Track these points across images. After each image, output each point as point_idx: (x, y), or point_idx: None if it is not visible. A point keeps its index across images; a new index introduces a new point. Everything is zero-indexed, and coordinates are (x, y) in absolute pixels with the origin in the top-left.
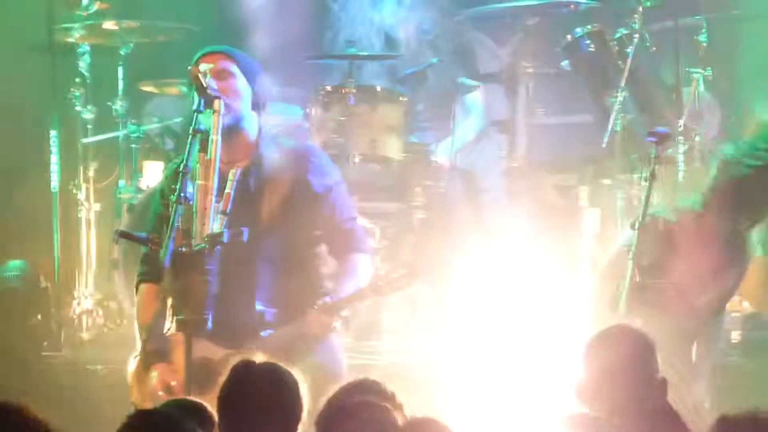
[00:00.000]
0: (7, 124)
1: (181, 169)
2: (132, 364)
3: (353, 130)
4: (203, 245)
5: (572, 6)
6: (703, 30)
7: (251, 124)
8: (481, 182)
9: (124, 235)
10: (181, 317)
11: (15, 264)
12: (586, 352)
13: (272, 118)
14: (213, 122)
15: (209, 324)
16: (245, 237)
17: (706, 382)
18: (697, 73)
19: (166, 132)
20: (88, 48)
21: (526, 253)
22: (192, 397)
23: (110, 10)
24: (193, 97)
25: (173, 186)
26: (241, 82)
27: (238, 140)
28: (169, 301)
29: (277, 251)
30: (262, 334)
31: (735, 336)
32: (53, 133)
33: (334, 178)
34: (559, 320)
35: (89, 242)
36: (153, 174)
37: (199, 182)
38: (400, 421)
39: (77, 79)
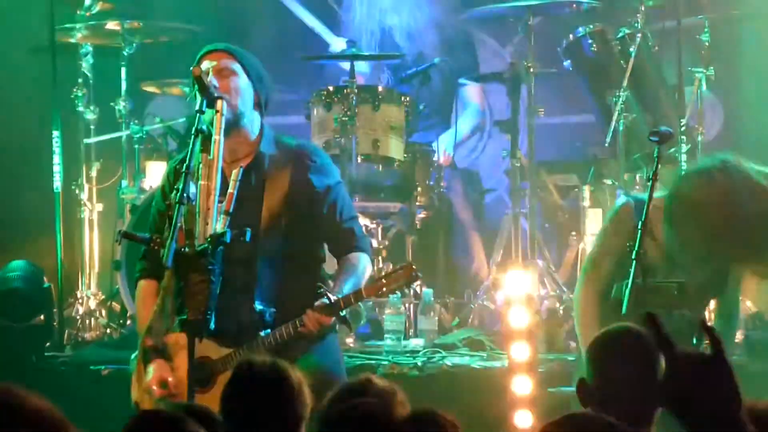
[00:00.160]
0: (9, 124)
1: (183, 168)
2: (133, 363)
3: (355, 131)
4: (206, 245)
5: (574, 6)
6: (706, 29)
7: (253, 123)
8: (483, 182)
9: (126, 235)
10: (183, 317)
11: (17, 264)
12: (589, 351)
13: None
14: (215, 122)
15: (212, 324)
16: (248, 237)
17: None
18: (699, 72)
19: (169, 132)
20: (90, 48)
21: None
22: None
23: (113, 10)
24: (194, 97)
25: (173, 183)
26: (243, 80)
27: (240, 139)
28: (170, 300)
29: (277, 250)
30: (261, 333)
31: (738, 335)
32: (56, 133)
33: (335, 178)
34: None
35: (92, 243)
36: (156, 174)
37: (201, 182)
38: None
39: (80, 80)
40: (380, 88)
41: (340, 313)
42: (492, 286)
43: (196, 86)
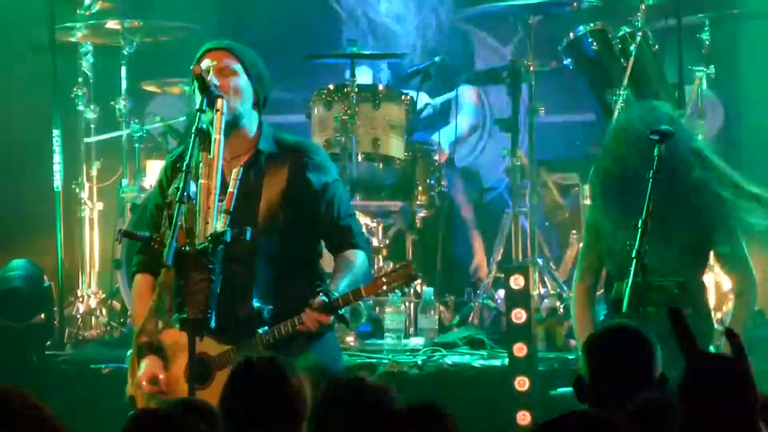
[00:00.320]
0: (10, 124)
1: (181, 165)
2: (128, 360)
3: (355, 129)
4: (206, 244)
5: (575, 4)
6: (706, 28)
7: (251, 122)
8: (484, 181)
9: (127, 234)
10: (183, 316)
11: (18, 263)
12: (585, 349)
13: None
14: (215, 121)
15: (212, 323)
16: (248, 236)
17: None
18: (699, 71)
19: (169, 131)
20: (91, 47)
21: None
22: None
23: (113, 9)
24: (193, 94)
25: (170, 179)
26: (243, 80)
27: (239, 138)
28: (166, 297)
29: (275, 248)
30: (259, 330)
31: None
32: (56, 132)
33: (333, 175)
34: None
35: (92, 241)
36: (156, 173)
37: (201, 181)
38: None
39: (80, 79)
40: (380, 87)
41: (339, 311)
42: (492, 284)
43: (197, 85)
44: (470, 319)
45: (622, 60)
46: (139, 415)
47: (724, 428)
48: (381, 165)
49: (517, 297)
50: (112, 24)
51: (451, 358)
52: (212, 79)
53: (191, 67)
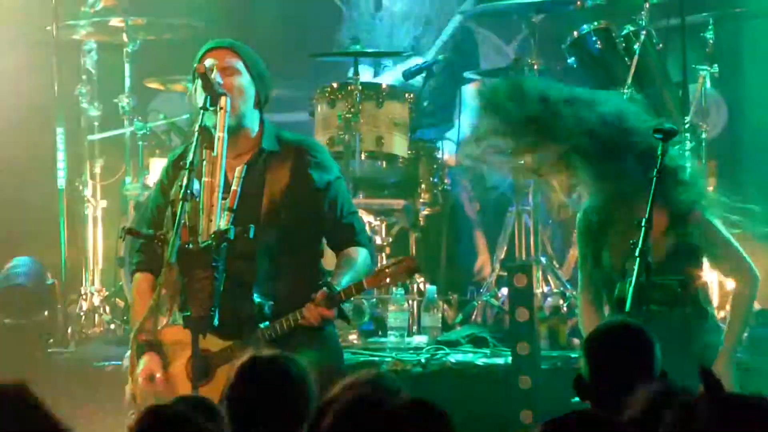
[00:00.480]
0: (13, 121)
1: (183, 164)
2: (128, 354)
3: (359, 127)
4: (209, 242)
5: (579, 3)
6: (710, 27)
7: (254, 121)
8: (487, 179)
9: (130, 232)
10: (187, 314)
11: (21, 260)
12: (587, 347)
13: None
14: (219, 119)
15: (215, 320)
16: (251, 234)
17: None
18: (703, 70)
19: (173, 129)
20: (94, 45)
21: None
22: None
23: (117, 7)
24: (194, 92)
25: (171, 178)
26: (245, 78)
27: (241, 137)
28: (167, 295)
29: (277, 245)
30: (261, 326)
31: None
32: (59, 130)
33: (335, 173)
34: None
35: (96, 239)
36: (159, 171)
37: (205, 179)
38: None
39: (84, 76)
40: (384, 85)
41: (341, 304)
42: (495, 282)
43: (201, 83)
44: (473, 317)
45: (626, 59)
46: (147, 413)
47: None
48: (384, 163)
49: (520, 295)
50: (115, 21)
51: (454, 357)
52: (216, 77)
53: (195, 65)
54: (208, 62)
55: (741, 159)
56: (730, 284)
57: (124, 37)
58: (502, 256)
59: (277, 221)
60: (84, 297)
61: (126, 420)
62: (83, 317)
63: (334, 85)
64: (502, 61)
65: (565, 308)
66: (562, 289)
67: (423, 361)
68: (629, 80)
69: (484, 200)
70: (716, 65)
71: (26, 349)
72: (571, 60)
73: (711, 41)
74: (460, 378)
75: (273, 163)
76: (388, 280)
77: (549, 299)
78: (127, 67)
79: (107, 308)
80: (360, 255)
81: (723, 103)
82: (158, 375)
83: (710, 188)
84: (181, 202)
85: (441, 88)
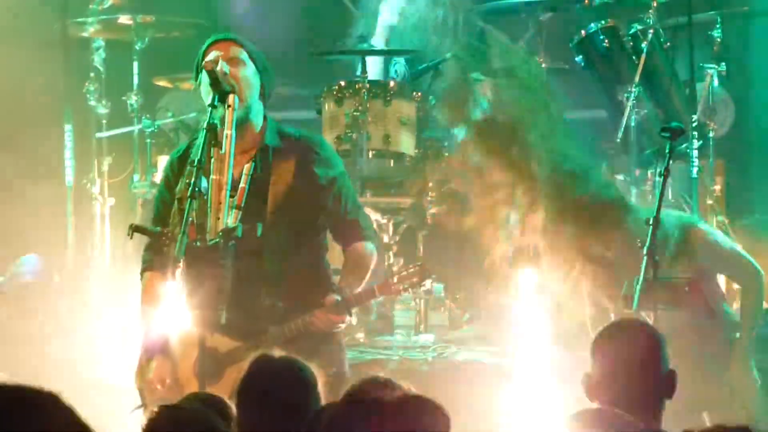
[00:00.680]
0: (21, 119)
1: (188, 160)
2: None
3: (366, 126)
4: (217, 240)
5: (586, 1)
6: (718, 25)
7: (258, 115)
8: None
9: (138, 229)
10: (195, 312)
11: (29, 258)
12: (595, 345)
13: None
14: (227, 117)
15: (223, 318)
16: (260, 232)
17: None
18: (711, 68)
19: (181, 126)
20: (103, 42)
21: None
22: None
23: (125, 4)
24: (198, 87)
25: (176, 174)
26: (251, 69)
27: (246, 132)
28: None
29: (283, 242)
30: (269, 328)
31: None
32: (68, 127)
33: (339, 169)
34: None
35: (103, 236)
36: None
37: (213, 177)
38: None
39: (92, 74)
40: (392, 83)
41: (350, 310)
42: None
43: (209, 80)
44: (481, 315)
45: (633, 57)
46: (161, 411)
47: None
48: (392, 161)
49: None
50: (124, 19)
51: (461, 355)
52: (222, 67)
53: (203, 62)
54: (213, 55)
55: (748, 157)
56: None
57: (133, 35)
58: (510, 255)
59: (282, 218)
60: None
61: (130, 416)
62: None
63: (342, 83)
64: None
65: None
66: None
67: (430, 359)
68: (637, 79)
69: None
70: (724, 63)
71: (32, 347)
72: (578, 59)
73: (718, 39)
74: (467, 376)
75: (277, 160)
76: (399, 287)
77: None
78: (135, 64)
79: None
80: (366, 251)
81: (730, 101)
82: (167, 381)
83: (717, 186)
84: (188, 200)
85: (449, 86)
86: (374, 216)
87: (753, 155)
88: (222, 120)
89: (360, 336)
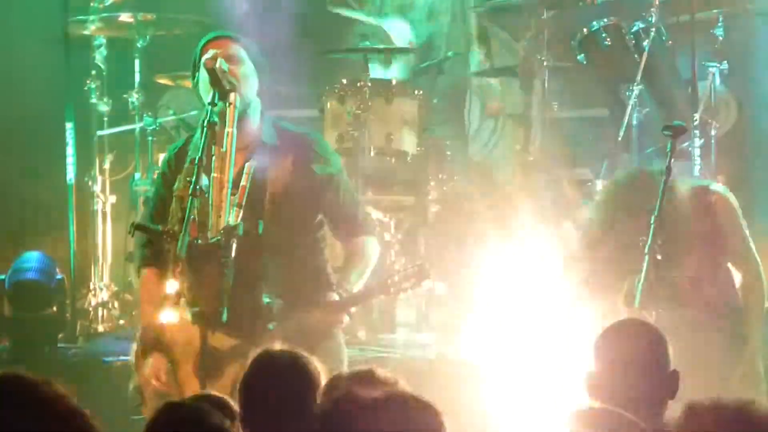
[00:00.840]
0: (23, 116)
1: (196, 160)
2: (133, 348)
3: (369, 124)
4: (219, 238)
5: (588, 0)
6: (720, 24)
7: (256, 112)
8: (496, 176)
9: (139, 227)
10: (196, 309)
11: (31, 255)
12: (598, 344)
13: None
14: (228, 114)
15: (224, 317)
16: (261, 230)
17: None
18: (713, 67)
19: (182, 124)
20: (104, 40)
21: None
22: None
23: (126, 2)
24: (196, 85)
25: (174, 170)
26: (249, 66)
27: (244, 129)
28: (176, 291)
29: (282, 239)
30: (269, 326)
31: None
32: (69, 125)
33: (336, 166)
34: (574, 315)
35: (105, 234)
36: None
37: (214, 175)
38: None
39: (93, 72)
40: (393, 82)
41: (350, 310)
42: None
43: (209, 78)
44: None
45: (635, 56)
46: (164, 409)
47: None
48: (393, 160)
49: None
50: (125, 17)
51: (462, 353)
52: (221, 65)
53: (201, 60)
54: (210, 53)
55: (750, 156)
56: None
57: (134, 33)
58: None
59: (280, 216)
60: (93, 292)
61: (130, 413)
62: (92, 312)
63: (344, 81)
64: (511, 58)
65: None
66: None
67: (431, 357)
68: (638, 77)
69: (493, 197)
70: (726, 62)
71: (35, 345)
72: (580, 57)
73: (720, 38)
74: (468, 374)
75: (274, 157)
76: (397, 288)
77: None
78: (136, 62)
79: (116, 303)
80: (367, 246)
81: (732, 100)
82: (162, 377)
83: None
84: (190, 198)
85: (451, 84)
86: (376, 214)
87: (755, 154)
88: (222, 118)
89: (361, 334)
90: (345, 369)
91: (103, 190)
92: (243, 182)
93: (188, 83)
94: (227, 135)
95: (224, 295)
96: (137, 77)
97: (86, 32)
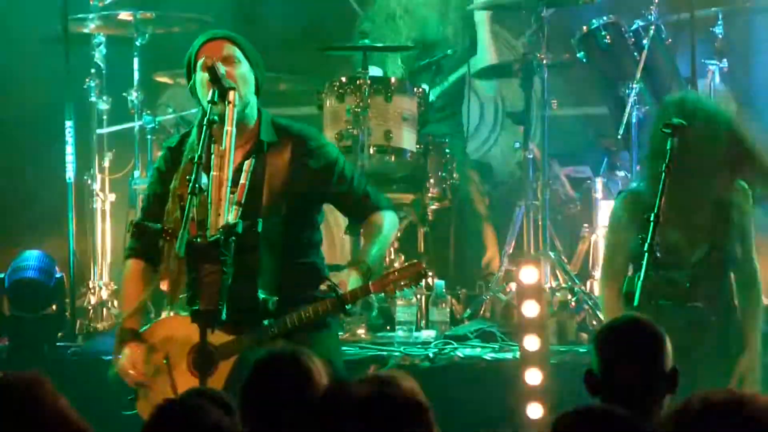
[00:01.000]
0: (22, 114)
1: (195, 158)
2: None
3: (368, 122)
4: (218, 236)
5: None
6: (719, 21)
7: (253, 110)
8: (495, 174)
9: (138, 226)
10: (195, 308)
11: (31, 254)
12: (597, 341)
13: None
14: (227, 113)
15: (224, 315)
16: (259, 228)
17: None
18: (712, 65)
19: (181, 123)
20: (103, 38)
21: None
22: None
23: (125, 1)
24: (193, 86)
25: (170, 167)
26: (245, 66)
27: (242, 127)
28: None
29: (278, 236)
30: (265, 322)
31: None
32: (68, 123)
33: (334, 154)
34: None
35: (104, 233)
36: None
37: (213, 173)
38: None
39: (93, 70)
40: (393, 79)
41: (347, 306)
42: (504, 277)
43: (209, 77)
44: (482, 312)
45: (635, 53)
46: (163, 405)
47: None
48: (393, 157)
49: (528, 290)
50: (124, 15)
51: (462, 351)
52: (218, 67)
53: (197, 60)
54: (208, 53)
55: None
56: None
57: (134, 31)
58: (510, 251)
59: (277, 213)
60: (92, 291)
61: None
62: (91, 311)
63: (343, 79)
64: (511, 56)
65: (573, 303)
66: (570, 283)
67: (431, 355)
68: (638, 75)
69: (492, 195)
70: (725, 60)
71: (35, 343)
72: (580, 54)
73: (720, 36)
74: (468, 373)
75: (272, 155)
76: (395, 285)
77: (557, 294)
78: (136, 60)
79: (115, 302)
80: (385, 219)
81: (732, 98)
82: (138, 367)
83: None
84: (189, 196)
85: (451, 82)
86: None
87: None
88: (221, 116)
89: (361, 332)
90: (342, 365)
91: (102, 189)
92: (242, 180)
93: None
94: (226, 133)
95: (224, 293)
96: (137, 75)
97: (86, 30)
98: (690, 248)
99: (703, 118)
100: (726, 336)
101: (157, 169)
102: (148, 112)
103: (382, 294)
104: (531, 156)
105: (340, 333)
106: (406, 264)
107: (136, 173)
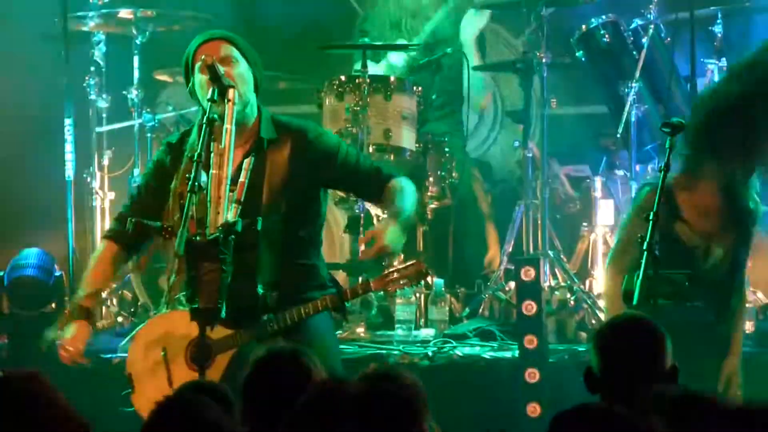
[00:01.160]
0: (22, 113)
1: (195, 157)
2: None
3: (367, 120)
4: (217, 234)
5: None
6: (719, 20)
7: (253, 108)
8: (495, 173)
9: (138, 224)
10: (194, 306)
11: (30, 252)
12: (596, 340)
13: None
14: (227, 111)
15: (223, 312)
16: (259, 226)
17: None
18: (712, 63)
19: (181, 121)
20: (103, 36)
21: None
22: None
23: None
24: (192, 85)
25: (170, 161)
26: (244, 66)
27: (242, 126)
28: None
29: (278, 233)
30: (263, 317)
31: (748, 326)
32: (68, 121)
33: (334, 140)
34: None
35: (103, 231)
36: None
37: (213, 171)
38: None
39: (92, 68)
40: (392, 78)
41: (346, 303)
42: (503, 276)
43: (209, 76)
44: (481, 310)
45: (634, 52)
46: (164, 401)
47: None
48: (392, 156)
49: (527, 289)
50: (124, 13)
51: (461, 350)
52: (217, 66)
53: (202, 58)
54: (205, 52)
55: None
56: None
57: (133, 29)
58: (510, 250)
59: (277, 210)
60: None
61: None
62: None
63: (343, 77)
64: (510, 55)
65: (572, 302)
66: (569, 282)
67: (430, 354)
68: (637, 74)
69: (492, 194)
70: (724, 59)
71: (34, 341)
72: (579, 53)
73: (719, 35)
74: (467, 371)
75: (272, 152)
76: (395, 283)
77: (556, 293)
78: (135, 58)
79: (114, 300)
80: (402, 183)
81: None
82: (79, 346)
83: None
84: (188, 195)
85: (450, 81)
86: (375, 211)
87: None
88: (221, 115)
89: (360, 330)
90: (339, 362)
91: (101, 187)
92: (242, 178)
93: None
94: (226, 132)
95: (223, 291)
96: (136, 73)
97: (85, 28)
98: (705, 255)
99: None
100: (723, 336)
101: (154, 162)
102: (148, 110)
103: (382, 292)
104: (530, 155)
105: (339, 332)
106: (408, 263)
107: (136, 171)
